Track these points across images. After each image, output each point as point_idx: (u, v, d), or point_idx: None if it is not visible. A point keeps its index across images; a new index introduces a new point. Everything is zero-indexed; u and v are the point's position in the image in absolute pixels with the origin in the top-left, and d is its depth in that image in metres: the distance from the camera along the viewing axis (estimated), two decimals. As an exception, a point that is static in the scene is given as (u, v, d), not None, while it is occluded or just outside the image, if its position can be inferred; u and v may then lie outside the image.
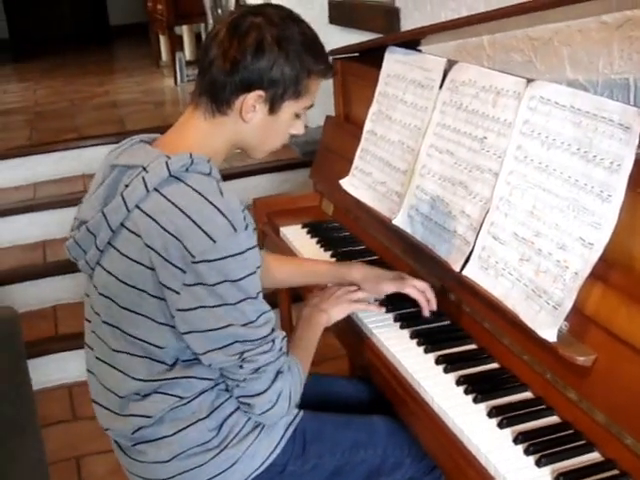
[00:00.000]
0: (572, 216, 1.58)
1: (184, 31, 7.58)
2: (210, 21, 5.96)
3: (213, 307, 1.53)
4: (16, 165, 4.73)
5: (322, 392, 2.01)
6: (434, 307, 1.96)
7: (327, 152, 2.81)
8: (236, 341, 1.56)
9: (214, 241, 1.49)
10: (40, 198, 4.47)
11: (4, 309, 2.29)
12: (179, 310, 1.54)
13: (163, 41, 7.84)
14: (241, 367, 1.58)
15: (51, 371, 3.42)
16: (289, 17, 1.64)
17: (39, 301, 3.83)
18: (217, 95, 1.61)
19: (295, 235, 2.62)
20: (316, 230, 2.62)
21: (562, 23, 2.32)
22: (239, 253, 1.52)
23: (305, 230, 2.64)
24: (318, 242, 2.53)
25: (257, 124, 1.65)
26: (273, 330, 1.62)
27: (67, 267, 3.89)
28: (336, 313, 1.92)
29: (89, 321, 1.74)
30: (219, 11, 5.81)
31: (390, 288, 1.99)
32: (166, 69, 7.58)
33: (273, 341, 1.60)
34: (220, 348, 1.57)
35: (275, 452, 1.74)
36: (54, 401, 3.33)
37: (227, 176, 1.66)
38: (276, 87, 1.61)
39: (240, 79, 1.58)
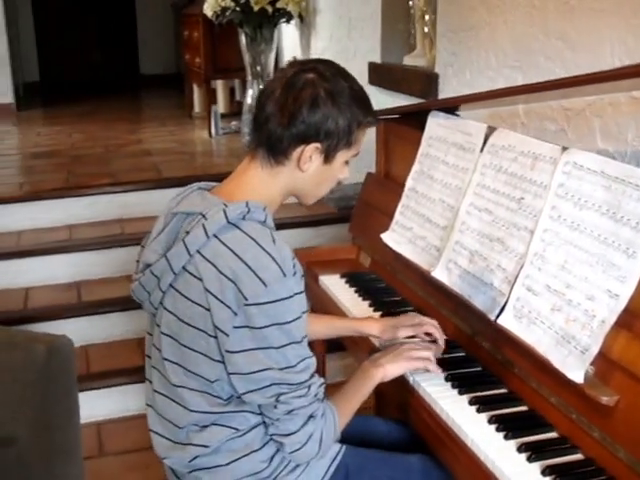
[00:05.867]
0: (600, 270, 1.72)
1: (218, 85, 7.67)
2: (249, 77, 6.00)
3: (256, 349, 1.61)
4: (52, 206, 4.74)
5: (358, 430, 2.05)
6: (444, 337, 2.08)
7: (366, 207, 2.91)
8: (273, 384, 1.64)
9: (265, 285, 1.58)
10: (75, 239, 4.49)
11: (62, 338, 2.28)
12: (227, 351, 1.63)
13: (197, 93, 7.91)
14: (275, 407, 1.66)
15: (81, 409, 3.46)
16: (339, 72, 1.77)
17: (71, 340, 3.86)
18: (275, 147, 1.72)
19: (334, 284, 2.72)
20: (354, 280, 2.70)
21: (595, 96, 2.44)
22: (288, 297, 1.61)
23: (344, 280, 2.73)
24: (356, 291, 2.61)
25: (312, 173, 1.77)
26: (312, 376, 1.69)
27: (99, 307, 3.98)
28: (392, 370, 1.92)
29: (149, 357, 1.84)
30: (258, 68, 5.88)
31: (407, 332, 2.09)
32: (198, 120, 7.62)
33: (309, 387, 1.67)
34: (258, 389, 1.65)
35: None
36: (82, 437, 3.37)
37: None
38: (331, 138, 1.72)
39: (297, 132, 1.70)
